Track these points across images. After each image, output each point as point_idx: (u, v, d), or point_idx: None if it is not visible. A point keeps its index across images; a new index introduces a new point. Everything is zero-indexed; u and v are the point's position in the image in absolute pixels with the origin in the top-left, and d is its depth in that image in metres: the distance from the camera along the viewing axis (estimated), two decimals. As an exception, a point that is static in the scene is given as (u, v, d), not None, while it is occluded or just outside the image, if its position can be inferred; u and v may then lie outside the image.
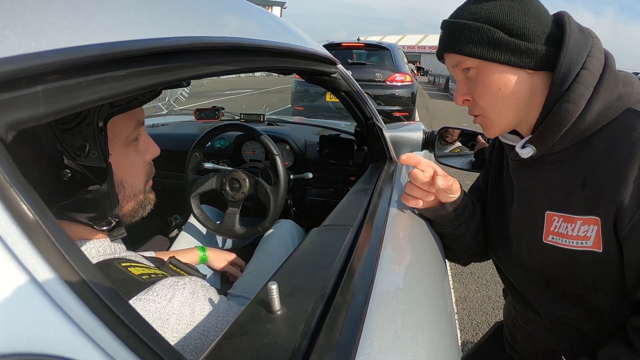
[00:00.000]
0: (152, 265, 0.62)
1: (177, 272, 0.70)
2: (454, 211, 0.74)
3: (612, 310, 0.63)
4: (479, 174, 0.90)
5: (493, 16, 0.57)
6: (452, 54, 0.62)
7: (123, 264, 0.54)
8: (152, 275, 0.54)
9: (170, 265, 0.72)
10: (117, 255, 0.57)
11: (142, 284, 0.51)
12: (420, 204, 0.73)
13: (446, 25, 0.62)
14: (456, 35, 0.60)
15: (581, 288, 0.64)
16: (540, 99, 0.60)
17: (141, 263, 0.59)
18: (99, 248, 0.56)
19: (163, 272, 0.58)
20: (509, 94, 0.60)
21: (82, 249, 0.55)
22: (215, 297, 0.57)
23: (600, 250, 0.57)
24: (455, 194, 0.72)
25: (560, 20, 0.60)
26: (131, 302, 0.49)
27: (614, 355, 0.58)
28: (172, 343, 0.49)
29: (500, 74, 0.59)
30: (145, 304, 0.49)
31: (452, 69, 0.64)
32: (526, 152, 0.63)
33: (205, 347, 0.51)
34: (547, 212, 0.63)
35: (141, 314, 0.48)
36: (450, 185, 0.69)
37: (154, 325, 0.48)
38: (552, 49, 0.57)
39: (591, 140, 0.57)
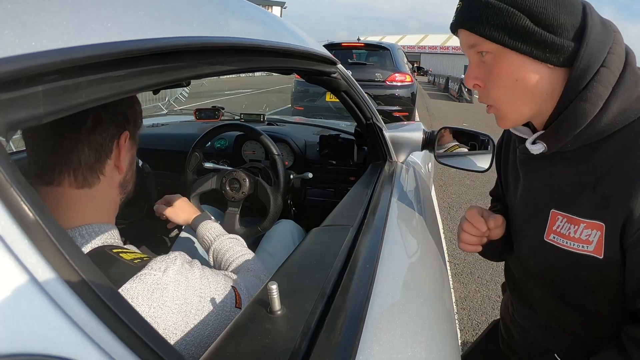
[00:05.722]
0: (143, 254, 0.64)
1: None
2: (502, 239, 0.77)
3: (608, 316, 0.62)
4: (478, 173, 0.90)
5: (522, 0, 0.52)
6: (469, 32, 0.57)
7: (115, 250, 0.55)
8: (144, 259, 0.56)
9: None
10: (108, 242, 0.58)
11: (134, 268, 0.53)
12: (480, 249, 0.77)
13: None
14: (476, 13, 0.54)
15: (578, 291, 0.63)
16: (557, 95, 0.56)
17: (132, 250, 0.59)
18: (92, 232, 0.57)
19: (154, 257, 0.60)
20: (525, 88, 0.56)
21: (78, 234, 0.56)
22: (200, 264, 0.61)
23: (601, 257, 0.56)
24: (503, 227, 0.74)
25: (583, 12, 0.55)
26: (128, 283, 0.51)
27: None
28: (176, 309, 0.53)
29: (519, 65, 0.55)
30: (142, 278, 0.51)
31: (467, 49, 0.59)
32: (537, 149, 0.60)
33: (206, 308, 0.56)
34: (552, 210, 0.61)
35: (140, 289, 0.50)
36: (501, 223, 0.72)
37: (154, 295, 0.51)
38: (577, 45, 0.53)
39: (606, 142, 0.54)
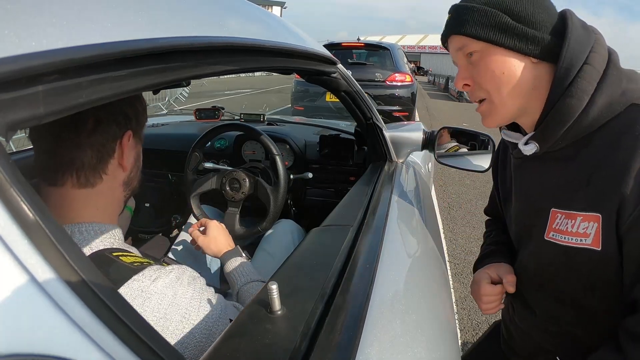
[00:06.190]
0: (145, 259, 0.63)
1: None
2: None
3: (606, 316, 0.63)
4: (479, 173, 0.91)
5: (502, 2, 0.59)
6: (458, 35, 0.62)
7: (114, 254, 0.55)
8: (144, 263, 0.55)
9: (164, 263, 0.73)
10: (109, 245, 0.57)
11: (133, 271, 0.52)
12: (502, 305, 0.80)
13: (455, 9, 0.63)
14: (464, 17, 0.61)
15: (578, 290, 0.64)
16: (544, 93, 0.60)
17: (134, 253, 0.59)
18: (91, 231, 0.57)
19: (155, 263, 0.59)
20: (512, 81, 0.60)
21: (77, 230, 0.55)
22: (202, 287, 0.59)
23: (599, 249, 0.57)
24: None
25: (563, 17, 0.60)
26: (121, 287, 0.50)
27: None
28: (153, 322, 0.50)
29: (505, 59, 0.60)
30: (129, 284, 0.51)
31: (455, 53, 0.65)
32: (529, 149, 0.63)
33: (186, 331, 0.53)
34: (552, 209, 0.63)
35: (125, 293, 0.49)
36: (514, 279, 0.74)
37: (135, 303, 0.50)
38: (557, 41, 0.58)
39: (595, 137, 0.57)
